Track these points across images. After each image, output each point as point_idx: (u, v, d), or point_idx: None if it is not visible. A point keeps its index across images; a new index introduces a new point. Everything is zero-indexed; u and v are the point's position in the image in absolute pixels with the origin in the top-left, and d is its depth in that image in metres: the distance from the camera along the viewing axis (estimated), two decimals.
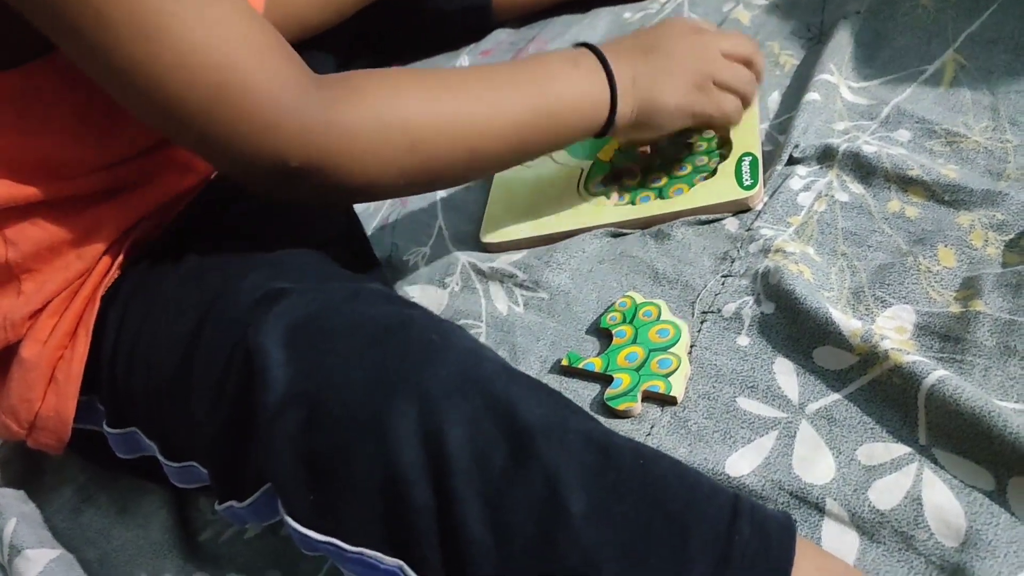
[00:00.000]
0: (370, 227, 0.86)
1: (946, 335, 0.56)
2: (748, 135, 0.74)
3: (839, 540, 0.50)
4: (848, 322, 0.57)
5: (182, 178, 0.63)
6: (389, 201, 0.89)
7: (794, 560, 0.43)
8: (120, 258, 0.59)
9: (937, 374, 0.52)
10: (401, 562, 0.46)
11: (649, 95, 0.66)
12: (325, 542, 0.47)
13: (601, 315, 0.66)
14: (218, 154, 0.53)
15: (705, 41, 0.68)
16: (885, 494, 0.51)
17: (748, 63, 0.70)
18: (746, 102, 0.71)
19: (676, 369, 0.60)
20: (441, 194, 0.86)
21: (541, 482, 0.44)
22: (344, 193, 0.57)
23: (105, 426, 0.59)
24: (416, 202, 0.87)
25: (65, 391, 0.58)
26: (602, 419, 0.60)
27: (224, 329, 0.52)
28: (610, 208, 0.74)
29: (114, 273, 0.59)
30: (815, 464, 0.53)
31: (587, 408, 0.61)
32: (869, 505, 0.51)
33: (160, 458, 0.57)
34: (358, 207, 0.89)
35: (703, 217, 0.70)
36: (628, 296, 0.66)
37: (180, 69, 0.48)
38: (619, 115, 0.65)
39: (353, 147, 0.53)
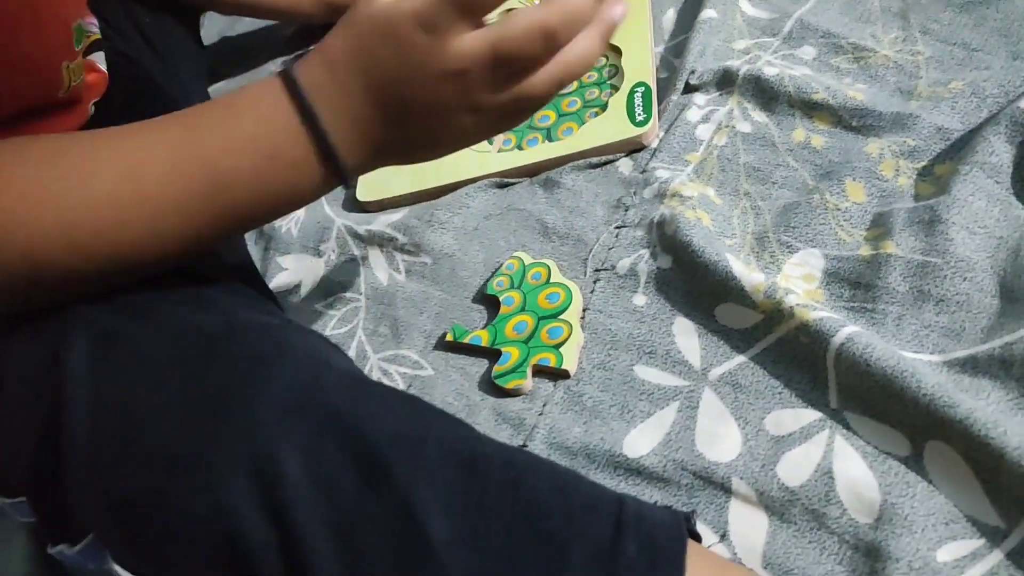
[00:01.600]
0: None
1: (856, 281, 0.51)
2: (640, 62, 0.67)
3: (747, 522, 0.46)
4: (750, 276, 0.51)
5: None
6: None
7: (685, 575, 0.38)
8: None
9: (846, 331, 0.47)
10: None
11: (406, 158, 0.48)
12: None
13: (488, 280, 0.60)
14: None
15: (468, 88, 0.43)
16: (794, 468, 0.46)
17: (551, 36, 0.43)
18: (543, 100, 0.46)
19: (568, 338, 0.54)
20: None
21: (396, 508, 0.38)
22: None
23: None
24: None
25: None
26: (492, 399, 0.54)
27: (29, 342, 0.45)
28: (495, 155, 0.67)
29: None
30: (720, 438, 0.49)
31: (475, 388, 0.55)
32: (778, 482, 0.46)
33: None
34: None
35: (594, 160, 0.63)
36: (516, 257, 0.59)
37: None
38: (346, 157, 0.45)
39: None
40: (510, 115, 0.46)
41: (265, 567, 0.38)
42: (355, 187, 0.70)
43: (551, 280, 0.57)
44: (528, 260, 0.59)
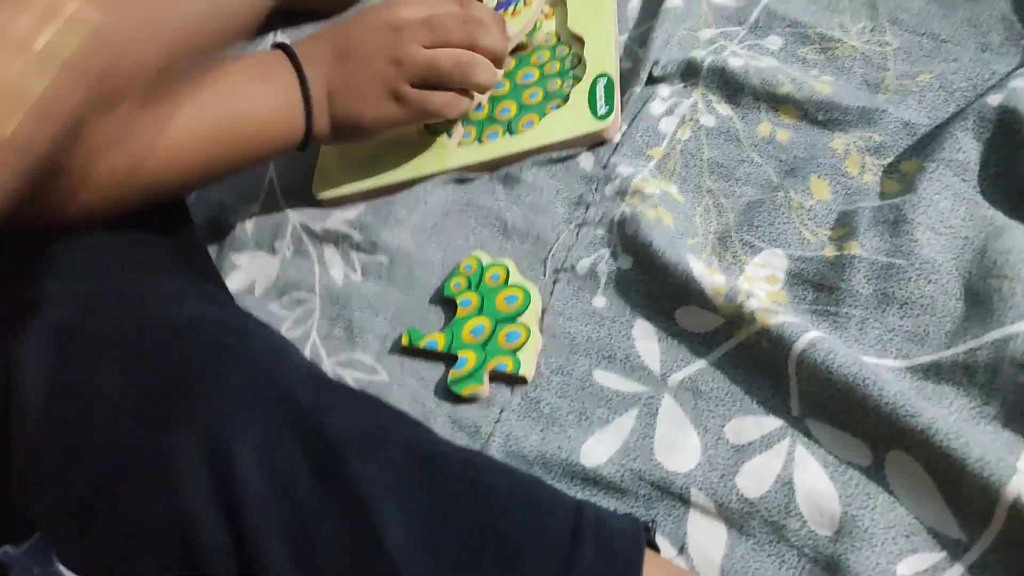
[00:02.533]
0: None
1: (820, 283, 0.50)
2: (603, 51, 0.65)
3: (706, 535, 0.45)
4: (711, 278, 0.50)
5: None
6: None
7: None
8: None
9: (808, 337, 0.46)
10: None
11: (344, 110, 0.58)
12: None
13: (445, 280, 0.58)
14: None
15: (399, 38, 0.57)
16: (755, 479, 0.45)
17: (467, 45, 0.58)
18: (477, 88, 0.60)
19: (525, 343, 0.52)
20: None
21: (351, 508, 0.38)
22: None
23: None
24: None
25: None
26: (448, 405, 0.53)
27: None
28: (454, 149, 0.65)
29: None
30: (679, 447, 0.47)
31: (432, 394, 0.54)
32: (737, 493, 0.45)
33: None
34: None
35: (555, 155, 0.61)
36: (473, 257, 0.58)
37: None
38: (316, 131, 0.58)
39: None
40: (400, 94, 0.57)
41: (218, 569, 0.37)
42: (312, 182, 0.68)
43: (509, 282, 0.55)
44: (487, 260, 0.57)
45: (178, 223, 0.65)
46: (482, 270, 0.57)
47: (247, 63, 0.58)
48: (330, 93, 0.57)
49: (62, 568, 0.41)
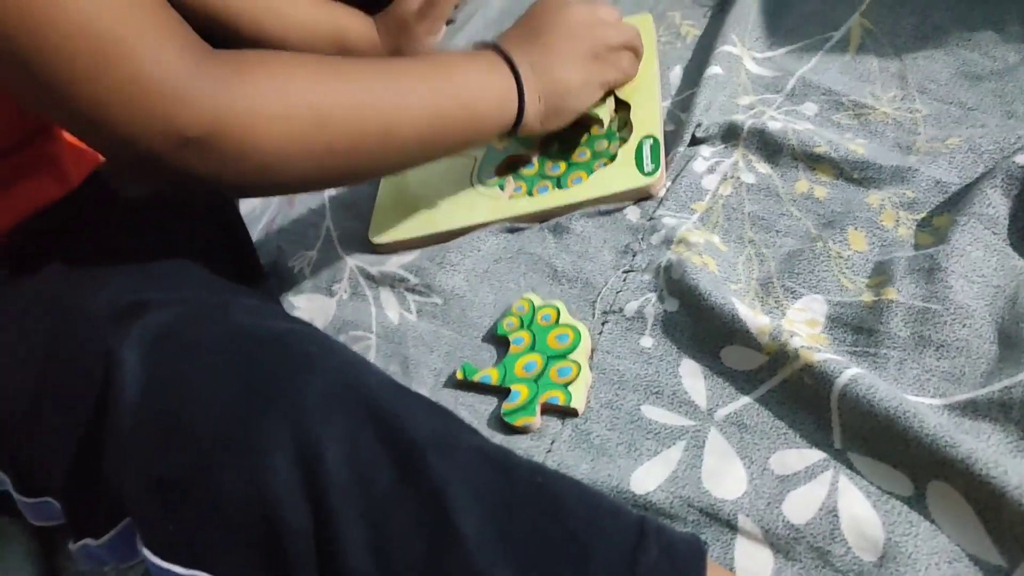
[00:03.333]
0: (255, 231, 0.80)
1: (859, 327, 0.53)
2: (648, 115, 0.69)
3: (753, 559, 0.47)
4: (756, 318, 0.53)
5: (53, 185, 0.59)
6: (275, 202, 0.82)
7: None
8: None
9: (849, 373, 0.48)
10: None
11: (551, 78, 0.63)
12: None
13: (498, 320, 0.61)
14: (106, 128, 0.46)
15: (582, 12, 0.66)
16: (799, 507, 0.47)
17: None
18: (639, 55, 0.71)
19: (576, 377, 0.55)
20: (329, 191, 0.80)
21: (429, 501, 0.40)
22: (245, 169, 0.50)
23: None
24: (303, 201, 0.80)
25: None
26: (500, 436, 0.55)
27: (79, 345, 0.48)
28: (506, 201, 0.69)
29: None
30: (725, 476, 0.49)
31: (484, 425, 0.56)
32: (783, 520, 0.47)
33: (13, 493, 0.52)
34: (243, 209, 0.83)
35: (603, 207, 0.65)
36: (526, 298, 0.61)
37: (63, 39, 0.43)
38: (528, 104, 0.62)
39: (256, 117, 0.48)
40: (600, 56, 0.66)
41: (298, 552, 0.40)
42: (367, 229, 0.72)
43: (560, 321, 0.58)
44: (538, 301, 0.60)
45: (252, 273, 0.69)
46: (534, 310, 0.60)
47: (454, 52, 0.66)
48: (534, 68, 0.62)
49: (146, 552, 0.43)
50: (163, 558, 0.42)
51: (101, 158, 0.63)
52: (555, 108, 0.64)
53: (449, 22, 0.95)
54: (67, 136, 0.61)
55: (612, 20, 0.68)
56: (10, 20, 0.42)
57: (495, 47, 0.63)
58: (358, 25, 0.89)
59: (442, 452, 0.41)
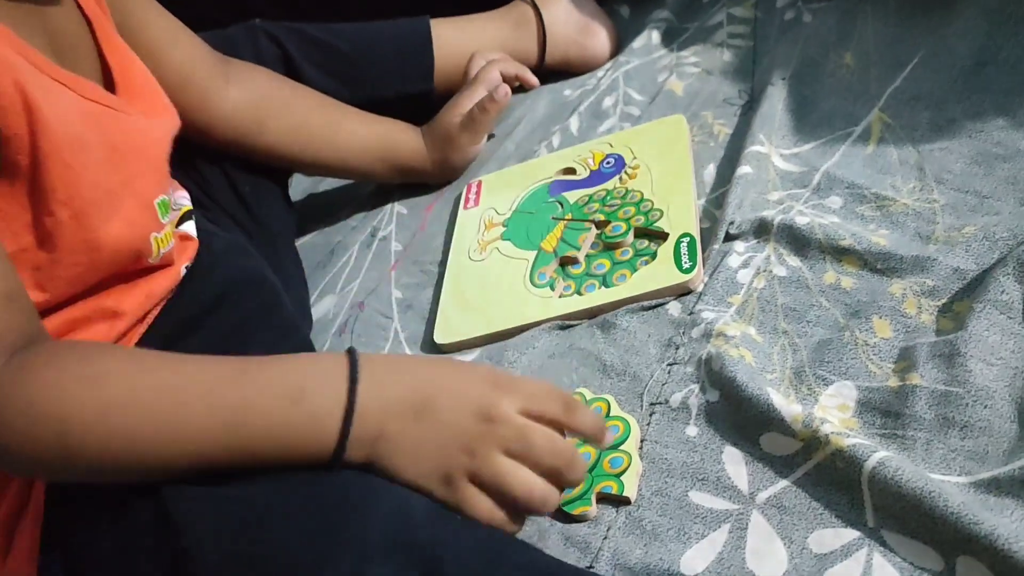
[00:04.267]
0: (328, 333, 0.87)
1: (887, 410, 0.57)
2: (685, 214, 0.75)
3: None
4: (789, 407, 0.57)
5: (111, 327, 0.64)
6: (348, 305, 0.90)
7: None
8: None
9: (878, 456, 0.52)
10: None
11: (386, 462, 0.52)
12: None
13: None
14: None
15: (483, 434, 0.52)
16: None
17: (547, 473, 0.53)
18: (532, 505, 0.53)
19: (627, 468, 0.60)
20: (397, 294, 0.87)
21: None
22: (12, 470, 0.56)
23: None
24: (373, 304, 0.88)
25: (23, 556, 0.57)
26: (561, 524, 0.60)
27: (150, 499, 0.52)
28: (556, 300, 0.75)
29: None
30: (768, 556, 0.53)
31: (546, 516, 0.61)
32: None
33: None
34: (316, 314, 0.90)
35: (646, 303, 0.70)
36: (579, 393, 0.66)
37: None
38: (346, 455, 0.51)
39: (10, 427, 0.50)
40: (452, 482, 0.51)
41: None
42: (432, 331, 0.78)
43: (611, 414, 0.63)
44: (590, 395, 0.66)
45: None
46: (586, 404, 0.65)
47: (295, 372, 0.53)
48: (381, 437, 0.52)
49: None
50: None
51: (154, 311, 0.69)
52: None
53: (490, 137, 1.03)
54: (128, 291, 0.67)
55: (537, 458, 0.52)
56: None
57: (353, 380, 0.52)
58: (406, 138, 0.97)
59: None
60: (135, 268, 0.67)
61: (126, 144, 0.64)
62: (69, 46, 0.63)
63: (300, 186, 1.14)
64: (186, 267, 0.73)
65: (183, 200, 0.77)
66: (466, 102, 0.96)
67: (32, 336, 0.53)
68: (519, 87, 1.04)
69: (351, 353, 0.53)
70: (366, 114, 0.97)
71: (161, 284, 0.70)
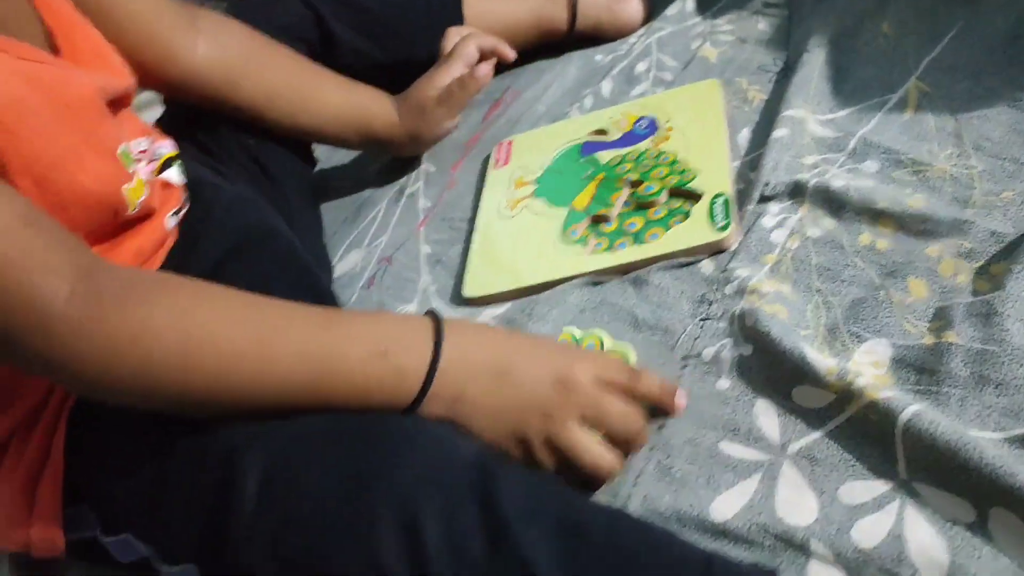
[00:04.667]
0: (356, 286, 0.87)
1: (921, 367, 0.57)
2: (719, 175, 0.75)
3: None
4: (823, 360, 0.57)
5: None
6: (375, 259, 0.90)
7: None
8: None
9: (912, 408, 0.53)
10: None
11: (465, 420, 0.55)
12: None
13: None
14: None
15: (560, 401, 0.55)
16: (868, 533, 0.51)
17: (620, 441, 0.57)
18: (599, 474, 0.57)
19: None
20: (426, 249, 0.87)
21: (517, 568, 0.45)
22: (83, 392, 0.57)
23: (100, 534, 0.60)
24: (401, 259, 0.88)
25: (48, 514, 0.58)
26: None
27: (197, 432, 0.54)
28: (588, 256, 0.75)
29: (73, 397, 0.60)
30: (798, 505, 0.54)
31: None
32: (853, 545, 0.51)
33: (156, 564, 0.58)
34: (342, 269, 0.91)
35: (679, 260, 0.71)
36: (567, 331, 0.67)
37: None
38: (424, 408, 0.54)
39: (88, 360, 0.51)
40: (522, 444, 0.55)
41: None
42: (461, 286, 0.79)
43: (605, 348, 0.64)
44: (579, 334, 0.66)
45: None
46: (577, 343, 0.66)
47: (380, 329, 0.56)
48: (462, 396, 0.55)
49: None
50: None
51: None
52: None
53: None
54: (113, 249, 0.67)
55: (616, 432, 0.56)
56: None
57: (439, 340, 0.55)
58: (379, 109, 0.95)
59: (527, 522, 0.47)
60: (115, 224, 0.66)
61: (77, 100, 0.62)
62: (5, 14, 0.61)
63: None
64: (172, 215, 0.73)
65: (163, 148, 0.76)
66: (444, 76, 0.93)
67: (89, 268, 0.52)
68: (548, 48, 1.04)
69: (434, 315, 0.57)
70: (343, 80, 0.94)
71: (149, 237, 0.70)
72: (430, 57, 1.00)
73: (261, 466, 0.50)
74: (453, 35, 0.97)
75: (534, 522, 0.46)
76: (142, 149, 0.70)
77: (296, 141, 0.96)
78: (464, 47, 0.94)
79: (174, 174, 0.75)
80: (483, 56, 0.95)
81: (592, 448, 0.55)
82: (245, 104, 0.87)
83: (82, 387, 0.54)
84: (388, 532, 0.46)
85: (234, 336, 0.52)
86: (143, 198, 0.67)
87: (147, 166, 0.70)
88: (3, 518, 0.60)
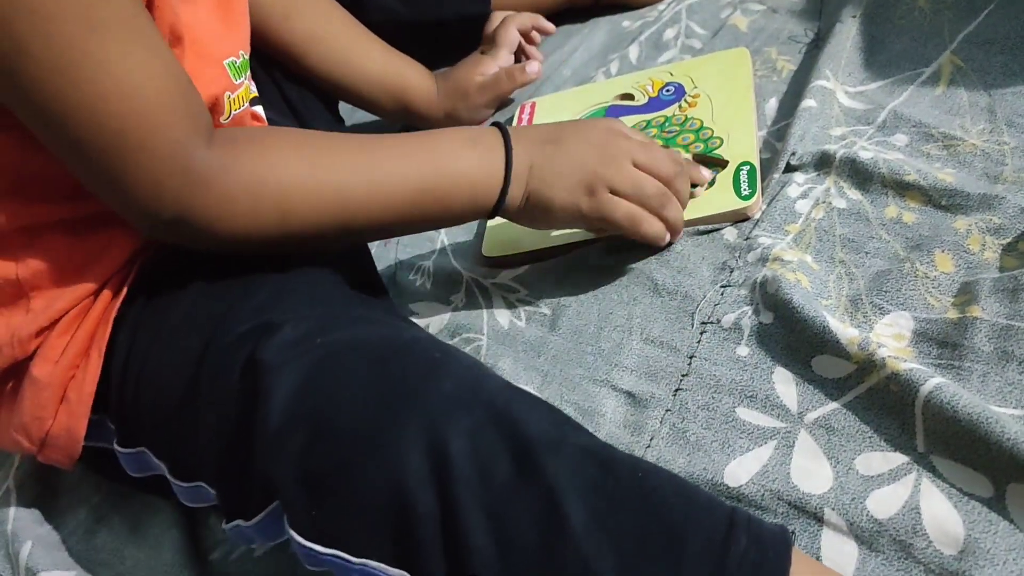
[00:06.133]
0: (374, 245, 0.87)
1: (944, 341, 0.56)
2: (746, 144, 0.74)
3: (838, 550, 0.51)
4: (845, 330, 0.57)
5: None
6: None
7: (790, 572, 0.44)
8: (130, 279, 0.61)
9: (934, 381, 0.52)
10: (405, 573, 0.46)
11: (540, 187, 0.64)
12: (330, 555, 0.48)
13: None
14: (107, 195, 0.55)
15: (616, 145, 0.65)
16: (883, 504, 0.51)
17: (666, 182, 0.66)
18: (657, 213, 0.66)
19: None
20: None
21: (543, 493, 0.45)
22: (214, 246, 0.59)
23: (115, 445, 0.61)
24: None
25: (76, 411, 0.59)
26: (604, 430, 0.60)
27: (227, 351, 0.54)
28: None
29: (124, 295, 0.60)
30: (813, 474, 0.54)
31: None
32: (867, 515, 0.51)
33: (169, 478, 0.59)
34: None
35: (702, 228, 0.70)
36: None
37: (86, 111, 0.50)
38: (509, 199, 0.64)
39: (224, 211, 0.56)
40: (594, 191, 0.64)
41: (426, 535, 0.45)
42: (480, 245, 0.78)
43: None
44: None
45: (373, 284, 0.76)
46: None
47: (459, 130, 0.66)
48: (532, 168, 0.63)
49: (293, 533, 0.49)
50: (307, 539, 0.48)
51: None
52: (532, 214, 0.66)
53: (509, 102, 1.01)
54: None
55: (653, 170, 0.65)
56: (42, 78, 0.48)
57: (504, 131, 0.64)
58: (420, 81, 0.95)
59: (553, 450, 0.46)
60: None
61: None
62: None
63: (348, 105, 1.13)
64: None
65: (253, 86, 0.76)
66: (490, 64, 0.94)
67: (210, 125, 0.56)
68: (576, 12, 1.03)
69: (498, 126, 0.65)
70: (387, 46, 0.94)
71: None
72: (457, 18, 0.99)
73: (292, 382, 0.50)
74: (496, 19, 0.98)
75: (560, 450, 0.46)
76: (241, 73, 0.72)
77: (327, 97, 0.96)
78: (507, 33, 0.95)
79: (261, 109, 0.75)
80: (523, 34, 0.96)
81: (650, 179, 0.64)
82: (293, 39, 0.87)
83: (228, 236, 0.57)
84: (414, 448, 0.46)
85: (351, 166, 0.59)
86: (239, 111, 0.68)
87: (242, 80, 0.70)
88: (32, 406, 0.60)
